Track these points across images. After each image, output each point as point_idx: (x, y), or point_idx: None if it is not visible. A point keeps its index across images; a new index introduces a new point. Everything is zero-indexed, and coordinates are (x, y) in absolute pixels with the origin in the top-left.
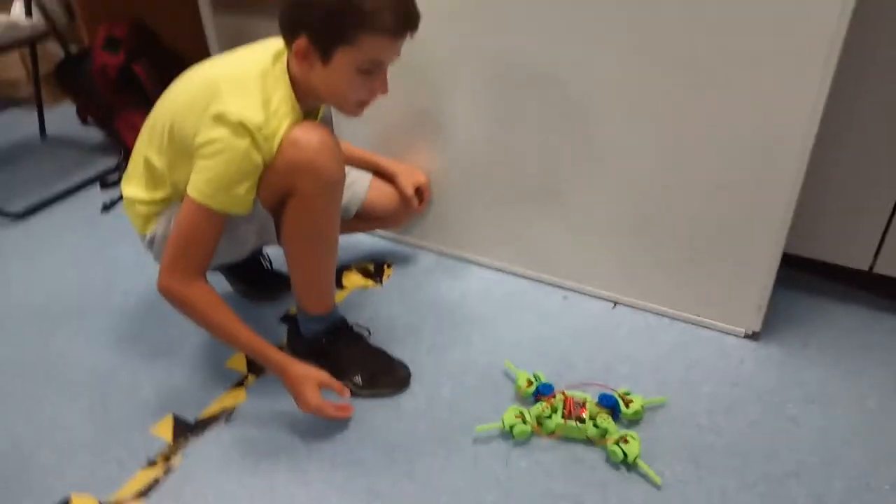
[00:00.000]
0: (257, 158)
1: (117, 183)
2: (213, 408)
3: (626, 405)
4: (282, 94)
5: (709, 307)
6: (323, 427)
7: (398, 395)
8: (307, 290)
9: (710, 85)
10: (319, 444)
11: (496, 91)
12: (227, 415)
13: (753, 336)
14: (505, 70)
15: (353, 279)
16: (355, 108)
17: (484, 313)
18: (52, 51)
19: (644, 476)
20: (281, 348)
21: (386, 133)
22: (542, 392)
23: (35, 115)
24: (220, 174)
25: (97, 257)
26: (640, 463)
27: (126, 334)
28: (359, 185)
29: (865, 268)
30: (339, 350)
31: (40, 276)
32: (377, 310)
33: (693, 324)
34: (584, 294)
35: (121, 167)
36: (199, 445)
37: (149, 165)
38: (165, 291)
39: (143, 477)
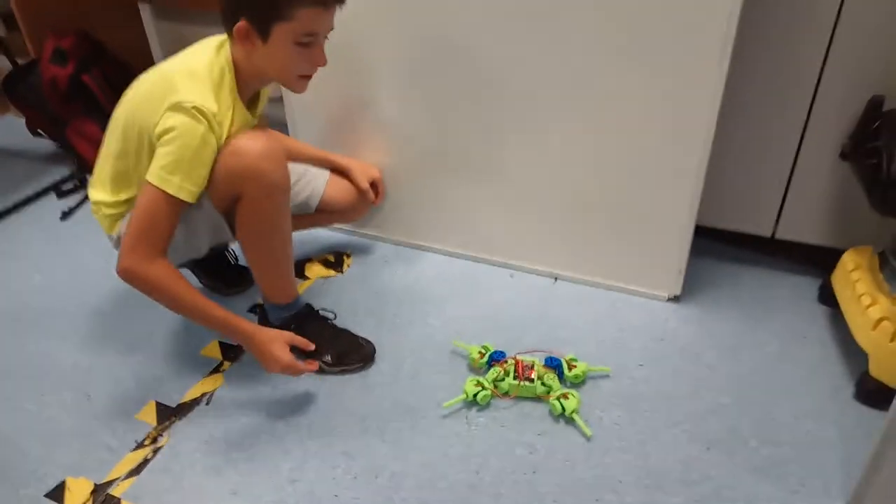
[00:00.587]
0: (213, 142)
1: (73, 191)
2: (192, 392)
3: (570, 369)
4: (228, 84)
5: (636, 276)
6: (298, 403)
7: (366, 370)
8: (269, 283)
9: (629, 74)
10: (296, 418)
11: (429, 81)
12: (207, 398)
13: (675, 299)
14: (435, 56)
15: (316, 270)
16: (299, 81)
17: (438, 294)
18: None
19: (569, 424)
20: None
21: (337, 133)
22: (496, 358)
23: None
24: (178, 158)
25: (61, 262)
26: (576, 417)
27: (99, 332)
28: (317, 182)
29: (768, 235)
30: (308, 333)
31: (7, 282)
32: (339, 296)
33: (623, 292)
34: (528, 272)
35: (75, 175)
36: (183, 426)
37: (114, 169)
38: (127, 273)
39: (132, 458)
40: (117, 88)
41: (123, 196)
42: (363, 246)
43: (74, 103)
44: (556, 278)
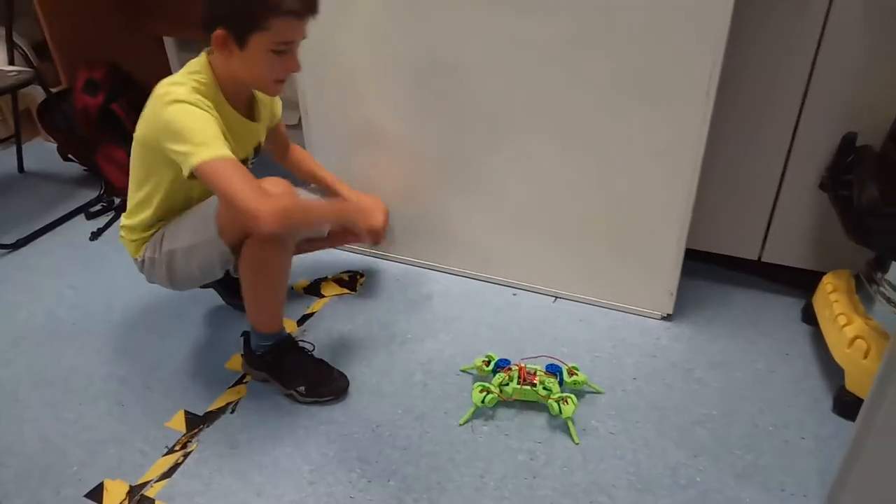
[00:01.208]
0: (210, 112)
1: (101, 213)
2: (218, 401)
3: (570, 375)
4: (207, 81)
5: (631, 296)
6: (316, 411)
7: (339, 401)
8: (258, 314)
9: (625, 107)
10: (314, 425)
11: (437, 112)
12: (232, 406)
13: (667, 318)
14: (442, 86)
15: (331, 288)
16: (274, 85)
17: (446, 311)
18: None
19: (567, 433)
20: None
21: (352, 158)
22: (501, 365)
23: (6, 152)
24: (189, 132)
25: (93, 279)
26: (570, 422)
27: (130, 346)
28: None
29: (755, 258)
30: (284, 363)
31: (42, 298)
32: (353, 313)
33: (619, 310)
34: (530, 291)
35: (103, 198)
36: (210, 433)
37: (137, 190)
38: (274, 215)
39: (164, 462)
40: None
41: (146, 215)
42: (375, 266)
43: (103, 130)
44: (556, 298)
